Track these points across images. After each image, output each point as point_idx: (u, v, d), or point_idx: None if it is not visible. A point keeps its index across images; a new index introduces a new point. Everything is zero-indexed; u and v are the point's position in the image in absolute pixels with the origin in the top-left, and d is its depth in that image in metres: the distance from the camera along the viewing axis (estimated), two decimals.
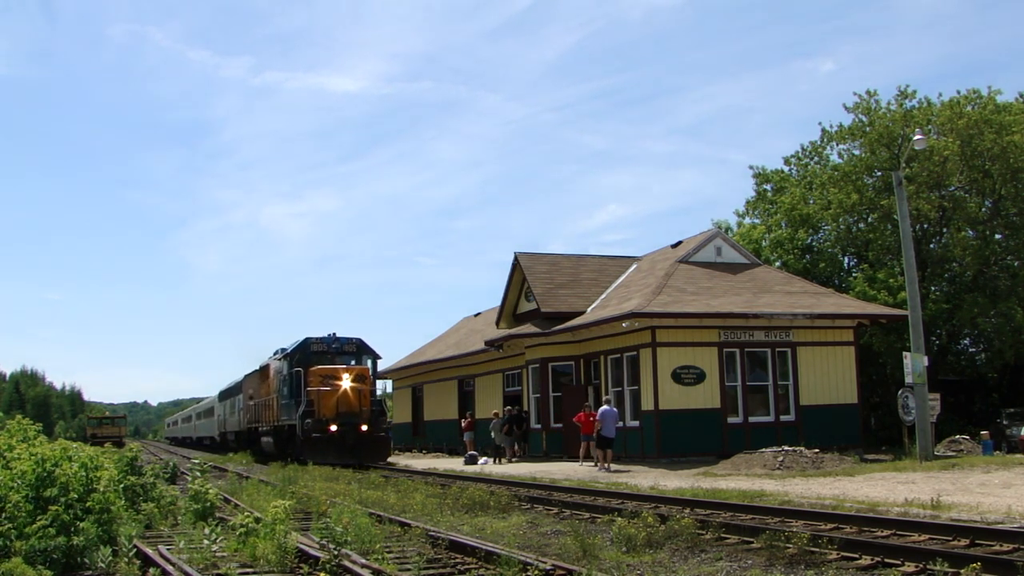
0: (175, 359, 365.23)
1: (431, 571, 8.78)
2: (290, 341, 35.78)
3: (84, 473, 10.82)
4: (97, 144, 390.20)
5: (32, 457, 10.71)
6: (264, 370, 37.55)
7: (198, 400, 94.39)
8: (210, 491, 12.96)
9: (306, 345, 31.14)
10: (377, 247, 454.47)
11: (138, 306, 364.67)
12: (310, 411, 28.27)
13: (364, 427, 28.17)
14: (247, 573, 8.82)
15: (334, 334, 31.82)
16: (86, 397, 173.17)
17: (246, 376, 42.15)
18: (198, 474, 13.91)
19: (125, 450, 16.08)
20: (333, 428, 27.73)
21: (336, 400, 28.23)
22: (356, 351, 31.62)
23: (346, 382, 28.55)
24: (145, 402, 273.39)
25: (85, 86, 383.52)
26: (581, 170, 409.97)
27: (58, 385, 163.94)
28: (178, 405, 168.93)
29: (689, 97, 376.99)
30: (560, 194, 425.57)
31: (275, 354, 35.87)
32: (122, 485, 12.92)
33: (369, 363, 31.25)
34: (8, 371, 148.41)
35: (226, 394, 51.72)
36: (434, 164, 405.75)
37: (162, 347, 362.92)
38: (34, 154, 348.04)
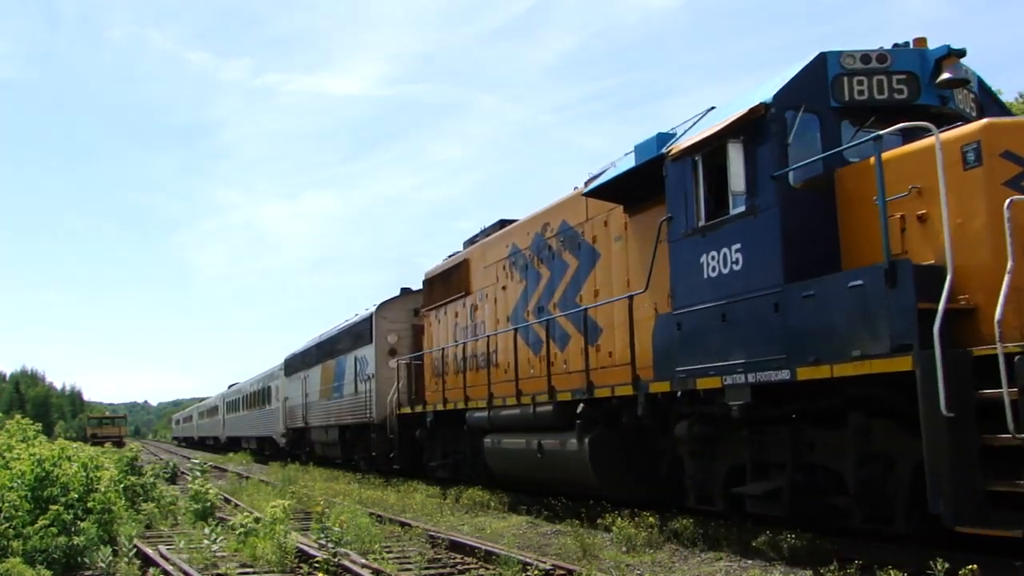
0: (175, 359, 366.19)
1: (431, 571, 8.78)
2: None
3: (84, 473, 10.84)
4: (98, 145, 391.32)
5: (31, 458, 10.72)
6: (455, 273, 17.67)
7: (199, 400, 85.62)
8: (210, 491, 13.00)
9: (826, 76, 8.44)
10: (377, 247, 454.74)
11: (138, 306, 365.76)
12: None
13: None
14: (247, 573, 8.83)
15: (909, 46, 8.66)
16: (86, 397, 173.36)
17: (382, 305, 22.10)
18: (198, 474, 13.94)
19: (125, 450, 16.12)
20: None
21: None
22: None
23: None
24: (145, 402, 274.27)
25: (86, 88, 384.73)
26: (580, 171, 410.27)
27: (58, 385, 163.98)
28: (178, 405, 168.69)
29: (686, 99, 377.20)
30: (559, 195, 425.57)
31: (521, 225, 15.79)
32: (122, 485, 12.94)
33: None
34: (8, 371, 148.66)
35: (305, 359, 29.50)
36: (433, 165, 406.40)
37: (162, 347, 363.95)
38: (35, 155, 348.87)
